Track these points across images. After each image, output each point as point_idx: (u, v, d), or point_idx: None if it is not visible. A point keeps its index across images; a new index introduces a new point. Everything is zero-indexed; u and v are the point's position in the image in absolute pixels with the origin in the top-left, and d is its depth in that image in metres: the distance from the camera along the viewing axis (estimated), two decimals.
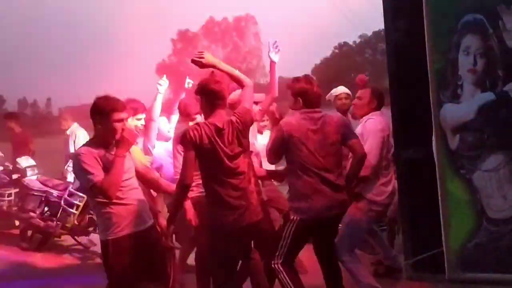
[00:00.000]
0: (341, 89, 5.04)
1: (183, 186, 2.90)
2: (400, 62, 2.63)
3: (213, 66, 3.19)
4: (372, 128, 3.69)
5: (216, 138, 2.91)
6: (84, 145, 2.95)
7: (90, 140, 2.98)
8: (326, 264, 3.42)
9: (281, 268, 3.22)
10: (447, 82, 2.39)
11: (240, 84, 3.19)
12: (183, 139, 2.93)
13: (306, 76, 3.41)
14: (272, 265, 3.23)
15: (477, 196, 2.38)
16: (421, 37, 2.45)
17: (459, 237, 2.42)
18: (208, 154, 2.90)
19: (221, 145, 2.91)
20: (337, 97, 4.95)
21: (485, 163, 2.34)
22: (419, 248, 2.61)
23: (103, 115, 2.83)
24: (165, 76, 4.38)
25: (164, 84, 4.23)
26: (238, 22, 70.11)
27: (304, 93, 3.27)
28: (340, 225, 3.66)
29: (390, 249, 4.37)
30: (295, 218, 3.23)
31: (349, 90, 5.05)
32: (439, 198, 2.43)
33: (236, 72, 3.22)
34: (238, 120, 2.99)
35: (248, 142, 3.10)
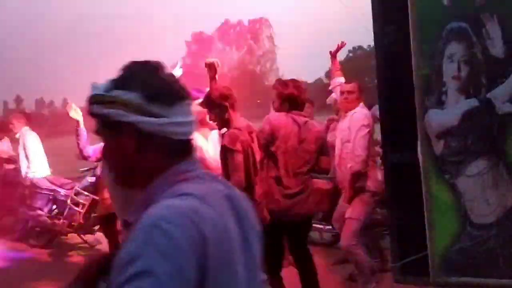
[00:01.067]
0: (342, 79, 4.43)
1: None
2: (388, 68, 2.67)
3: None
4: (359, 123, 3.76)
5: (252, 141, 3.15)
6: None
7: None
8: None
9: None
10: (432, 88, 2.43)
11: None
12: (233, 141, 3.07)
13: (294, 81, 3.49)
14: None
15: (461, 201, 2.41)
16: (408, 44, 2.50)
17: (443, 241, 2.45)
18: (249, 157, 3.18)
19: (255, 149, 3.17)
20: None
21: (469, 168, 2.37)
22: (406, 251, 2.64)
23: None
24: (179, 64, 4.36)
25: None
26: (253, 25, 70.40)
27: (293, 99, 3.35)
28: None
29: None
30: None
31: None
32: (424, 202, 2.46)
33: None
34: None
35: None
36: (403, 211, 2.67)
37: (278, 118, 3.40)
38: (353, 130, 3.76)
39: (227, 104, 3.12)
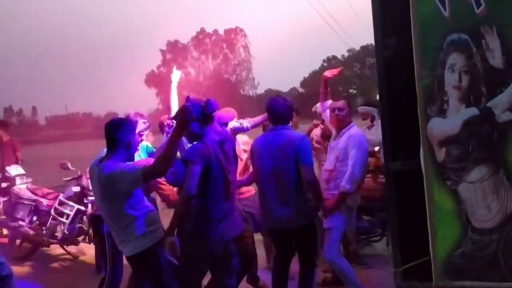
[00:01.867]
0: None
1: (188, 197, 2.90)
2: (390, 77, 2.75)
3: None
4: (361, 146, 3.75)
5: (221, 154, 3.06)
6: None
7: None
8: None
9: None
10: (434, 97, 2.50)
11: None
12: (192, 153, 3.00)
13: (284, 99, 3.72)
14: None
15: (462, 207, 2.48)
16: (409, 54, 2.58)
17: (446, 246, 2.52)
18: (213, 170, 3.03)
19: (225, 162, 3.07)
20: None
21: (470, 175, 2.45)
22: (408, 257, 2.69)
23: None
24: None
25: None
26: (228, 34, 70.67)
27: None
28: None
29: None
30: None
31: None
32: (427, 208, 2.53)
33: None
34: (230, 137, 3.26)
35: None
36: (404, 217, 2.73)
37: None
38: (352, 151, 3.76)
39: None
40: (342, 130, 3.92)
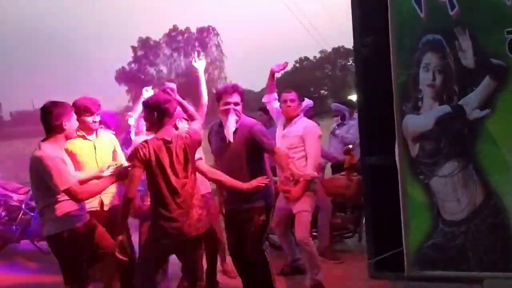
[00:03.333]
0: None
1: (127, 199, 3.06)
2: (367, 75, 2.85)
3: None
4: (313, 134, 4.20)
5: (165, 153, 3.09)
6: None
7: None
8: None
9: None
10: (409, 95, 2.62)
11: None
12: (131, 156, 3.10)
13: None
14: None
15: (434, 200, 2.60)
16: (387, 53, 2.68)
17: (418, 237, 2.63)
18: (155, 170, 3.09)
19: (168, 161, 3.09)
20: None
21: (442, 169, 2.57)
22: (382, 249, 2.80)
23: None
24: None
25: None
26: (200, 33, 70.26)
27: None
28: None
29: (296, 251, 4.64)
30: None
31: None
32: (400, 201, 2.63)
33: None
34: (187, 135, 3.20)
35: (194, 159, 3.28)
36: (378, 210, 2.83)
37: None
38: (309, 140, 4.16)
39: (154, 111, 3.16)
40: (294, 119, 4.27)
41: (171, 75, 64.35)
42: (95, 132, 3.83)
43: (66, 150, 3.42)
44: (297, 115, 4.32)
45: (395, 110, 2.63)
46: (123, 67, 65.05)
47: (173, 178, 3.07)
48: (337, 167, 6.18)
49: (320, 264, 4.19)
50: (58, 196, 3.14)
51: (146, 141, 3.12)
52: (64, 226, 3.18)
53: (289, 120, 4.33)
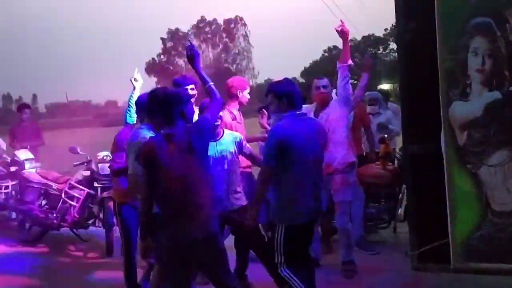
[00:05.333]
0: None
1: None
2: (410, 61, 2.76)
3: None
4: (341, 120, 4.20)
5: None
6: None
7: None
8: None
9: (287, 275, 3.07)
10: (456, 81, 2.52)
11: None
12: (140, 155, 2.77)
13: (286, 79, 3.32)
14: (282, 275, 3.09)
15: (482, 190, 2.51)
16: (431, 38, 2.58)
17: (465, 228, 2.55)
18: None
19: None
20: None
21: (491, 158, 2.47)
22: (424, 239, 2.72)
23: None
24: (136, 69, 4.31)
25: (139, 80, 4.20)
26: (227, 24, 70.25)
27: (289, 94, 3.08)
28: None
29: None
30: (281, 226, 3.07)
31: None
32: (446, 191, 2.55)
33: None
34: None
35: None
36: (421, 200, 2.75)
37: (283, 127, 3.08)
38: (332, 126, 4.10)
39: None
40: (329, 103, 4.26)
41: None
42: None
43: None
44: (329, 102, 4.30)
45: (441, 97, 2.54)
46: (153, 59, 65.88)
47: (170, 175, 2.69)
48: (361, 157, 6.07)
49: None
50: None
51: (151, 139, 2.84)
52: None
53: (322, 106, 4.27)
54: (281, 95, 3.06)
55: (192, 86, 4.06)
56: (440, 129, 2.58)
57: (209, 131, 2.96)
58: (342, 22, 4.10)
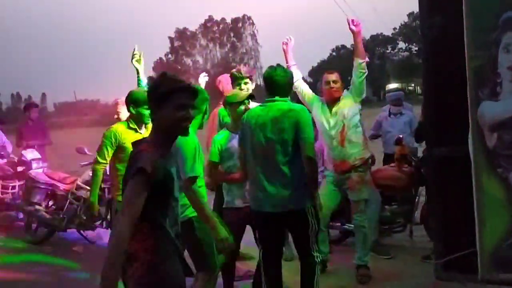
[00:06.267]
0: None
1: None
2: (435, 58, 2.60)
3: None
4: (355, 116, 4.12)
5: None
6: None
7: None
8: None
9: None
10: (486, 79, 2.36)
11: None
12: None
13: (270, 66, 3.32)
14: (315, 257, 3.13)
15: None
16: (458, 34, 2.43)
17: (494, 237, 2.39)
18: None
19: None
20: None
21: None
22: (450, 248, 2.57)
23: None
24: (136, 46, 3.94)
25: (141, 60, 3.91)
26: (235, 23, 70.22)
27: (266, 80, 3.26)
28: None
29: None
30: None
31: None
32: (474, 197, 2.40)
33: None
34: None
35: None
36: (447, 206, 2.60)
37: None
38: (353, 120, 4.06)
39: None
40: (339, 99, 4.09)
41: (207, 65, 64.74)
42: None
43: None
44: (339, 97, 4.13)
45: (469, 97, 2.38)
46: (160, 58, 66.01)
47: None
48: (388, 159, 5.93)
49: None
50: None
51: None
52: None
53: (332, 101, 4.12)
54: (264, 81, 3.24)
55: None
56: (467, 131, 2.42)
57: None
58: (352, 20, 3.98)
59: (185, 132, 2.00)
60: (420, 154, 5.45)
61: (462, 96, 2.44)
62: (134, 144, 2.03)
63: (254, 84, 4.05)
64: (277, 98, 3.15)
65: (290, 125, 3.01)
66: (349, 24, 3.94)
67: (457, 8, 2.43)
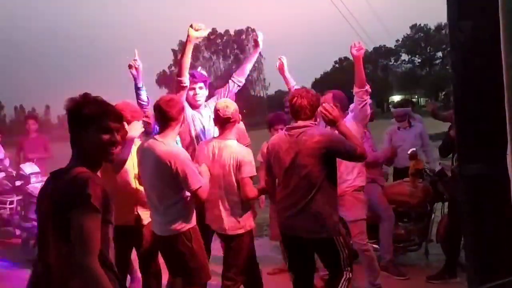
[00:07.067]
0: None
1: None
2: (466, 66, 2.38)
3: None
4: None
5: None
6: None
7: None
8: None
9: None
10: None
11: None
12: None
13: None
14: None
15: None
16: (493, 39, 2.20)
17: None
18: None
19: None
20: None
21: None
22: (486, 275, 2.32)
23: None
24: (136, 51, 4.02)
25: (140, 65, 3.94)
26: (238, 35, 70.48)
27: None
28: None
29: None
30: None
31: None
32: None
33: None
34: None
35: None
36: (483, 230, 2.36)
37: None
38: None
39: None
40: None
41: (210, 78, 64.90)
42: None
43: None
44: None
45: (507, 109, 2.14)
46: (163, 71, 66.20)
47: None
48: (399, 173, 5.75)
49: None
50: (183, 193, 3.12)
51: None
52: (193, 223, 3.20)
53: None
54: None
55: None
56: (505, 147, 2.18)
57: None
58: (355, 44, 3.80)
59: (111, 158, 1.88)
60: (437, 167, 5.26)
61: (498, 108, 2.20)
62: (61, 172, 1.88)
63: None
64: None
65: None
66: (351, 48, 3.78)
67: (492, 8, 2.21)
